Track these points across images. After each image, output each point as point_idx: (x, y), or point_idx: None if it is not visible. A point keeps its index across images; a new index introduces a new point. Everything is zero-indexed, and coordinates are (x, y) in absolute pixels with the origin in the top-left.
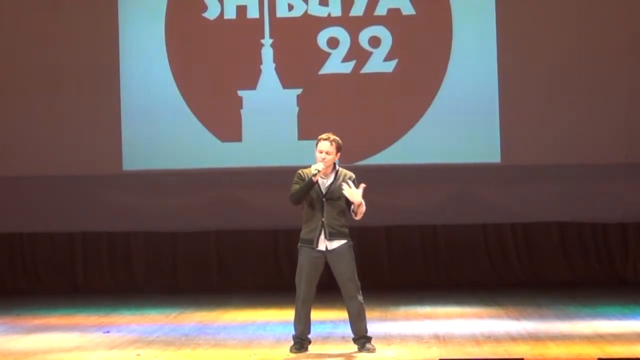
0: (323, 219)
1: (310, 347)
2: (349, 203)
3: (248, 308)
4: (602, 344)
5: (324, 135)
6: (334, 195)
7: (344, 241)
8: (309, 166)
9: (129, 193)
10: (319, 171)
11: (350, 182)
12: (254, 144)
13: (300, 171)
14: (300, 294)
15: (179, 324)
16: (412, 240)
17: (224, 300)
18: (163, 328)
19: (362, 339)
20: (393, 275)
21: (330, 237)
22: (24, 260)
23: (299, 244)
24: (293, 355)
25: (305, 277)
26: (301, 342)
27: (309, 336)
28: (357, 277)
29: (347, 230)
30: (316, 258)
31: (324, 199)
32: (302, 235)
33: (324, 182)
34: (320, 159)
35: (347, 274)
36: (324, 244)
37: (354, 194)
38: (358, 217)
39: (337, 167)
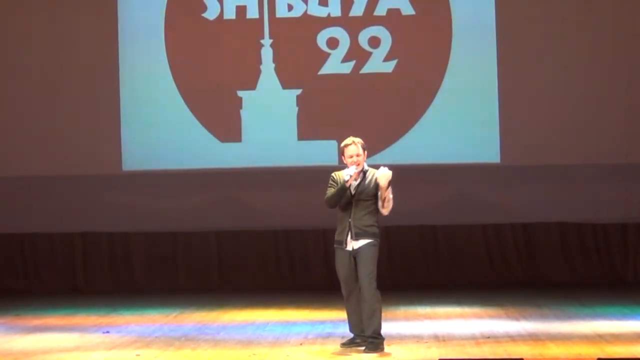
0: (350, 220)
1: (310, 347)
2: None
3: (248, 308)
4: (601, 344)
5: (348, 141)
6: (363, 196)
7: (369, 240)
8: (341, 168)
9: (129, 193)
10: (351, 176)
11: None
12: (254, 144)
13: (333, 174)
14: (343, 293)
15: (179, 324)
16: (412, 240)
17: (224, 300)
18: (163, 328)
19: (369, 339)
20: (392, 275)
21: (357, 237)
22: (24, 261)
23: (334, 245)
24: (291, 355)
25: (341, 276)
26: (352, 339)
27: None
28: (374, 277)
29: (375, 230)
30: (346, 258)
31: (353, 200)
32: (335, 236)
33: (354, 183)
34: (353, 163)
35: (362, 272)
36: (351, 244)
37: (382, 176)
38: (385, 212)
39: (365, 167)
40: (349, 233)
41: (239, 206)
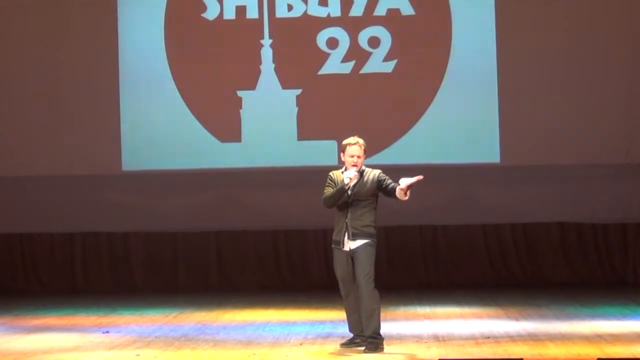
0: (347, 220)
1: (310, 347)
2: (387, 192)
3: (247, 308)
4: (601, 344)
5: (351, 140)
6: (360, 196)
7: (366, 240)
8: (338, 168)
9: (129, 193)
10: (351, 179)
11: (408, 180)
12: (254, 144)
13: (331, 173)
14: (341, 293)
15: (179, 324)
16: (412, 240)
17: (224, 300)
18: (162, 328)
19: (368, 339)
20: (392, 275)
21: (354, 237)
22: (23, 261)
23: (332, 245)
24: (291, 355)
25: (339, 277)
26: (351, 339)
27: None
28: (371, 277)
29: (372, 230)
30: (344, 258)
31: (349, 200)
32: (333, 236)
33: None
34: (353, 164)
35: (359, 273)
36: (348, 245)
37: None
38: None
39: (362, 167)
40: (346, 233)
41: (238, 206)
